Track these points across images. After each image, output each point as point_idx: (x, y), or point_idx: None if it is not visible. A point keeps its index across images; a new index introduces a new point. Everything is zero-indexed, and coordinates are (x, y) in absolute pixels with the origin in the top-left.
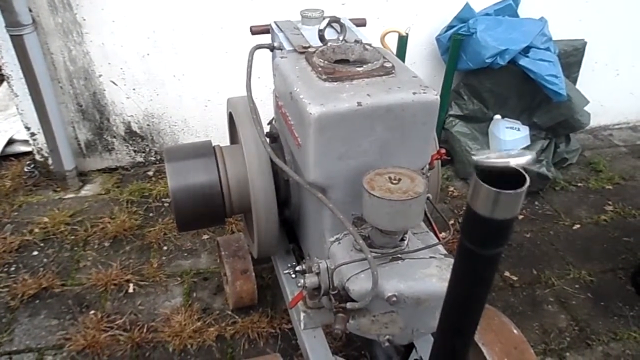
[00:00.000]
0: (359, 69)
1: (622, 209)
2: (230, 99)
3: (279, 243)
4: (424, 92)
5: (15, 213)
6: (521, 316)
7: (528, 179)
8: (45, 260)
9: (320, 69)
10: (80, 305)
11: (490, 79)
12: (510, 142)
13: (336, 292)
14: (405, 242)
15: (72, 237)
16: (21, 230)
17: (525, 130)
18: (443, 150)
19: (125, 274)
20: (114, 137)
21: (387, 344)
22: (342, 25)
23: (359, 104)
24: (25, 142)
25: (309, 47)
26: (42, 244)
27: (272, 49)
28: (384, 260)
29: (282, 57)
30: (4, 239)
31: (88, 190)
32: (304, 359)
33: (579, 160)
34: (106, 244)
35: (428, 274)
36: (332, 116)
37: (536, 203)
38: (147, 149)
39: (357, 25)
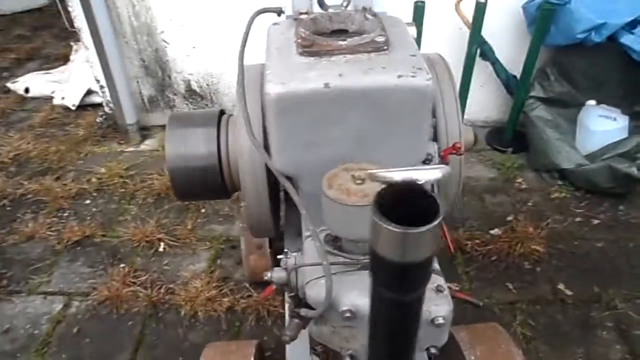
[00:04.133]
0: (342, 42)
1: None
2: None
3: (275, 225)
4: (413, 76)
5: (81, 162)
6: (565, 339)
7: (440, 206)
8: (94, 209)
9: (300, 40)
10: (114, 257)
11: (584, 57)
12: (601, 134)
13: (294, 294)
14: None
15: (122, 190)
16: (81, 179)
17: (623, 121)
18: (459, 145)
19: (159, 232)
20: (175, 94)
21: (348, 359)
22: None
23: (326, 85)
24: None
25: (305, 13)
26: (95, 194)
27: (279, 13)
28: (351, 268)
29: (274, 25)
30: (64, 185)
31: (147, 145)
32: None
33: None
34: (150, 200)
35: None
36: (293, 98)
37: (620, 207)
38: (206, 109)
39: None
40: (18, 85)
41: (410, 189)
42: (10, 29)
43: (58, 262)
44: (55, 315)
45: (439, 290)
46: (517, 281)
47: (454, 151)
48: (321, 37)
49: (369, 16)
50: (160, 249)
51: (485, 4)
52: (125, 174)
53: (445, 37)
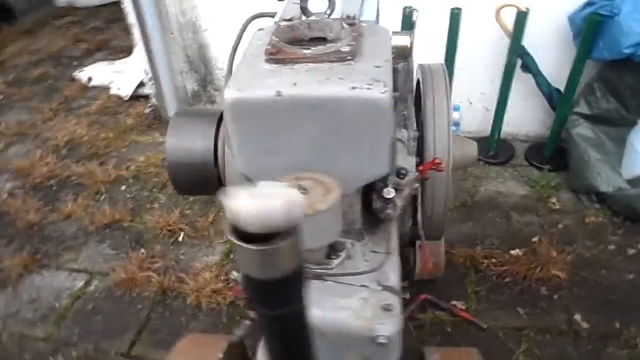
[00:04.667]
0: (306, 51)
1: None
2: None
3: None
4: (368, 88)
5: (124, 149)
6: None
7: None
8: (127, 195)
9: (268, 47)
10: (137, 242)
11: (632, 73)
12: None
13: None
14: (337, 260)
15: (156, 179)
16: (121, 166)
17: None
18: (438, 160)
19: (182, 222)
20: (217, 90)
21: None
22: None
23: (278, 93)
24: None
25: (290, 19)
26: (131, 181)
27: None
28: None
29: (259, 30)
30: (106, 170)
31: None
32: None
33: None
34: None
35: (342, 306)
36: (248, 104)
37: None
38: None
39: None
40: (83, 74)
41: None
42: (87, 21)
43: (87, 242)
44: (75, 292)
45: (386, 309)
46: (529, 307)
47: (434, 167)
48: (288, 45)
49: (345, 25)
50: (180, 239)
51: (526, 13)
52: (162, 163)
53: (485, 46)
